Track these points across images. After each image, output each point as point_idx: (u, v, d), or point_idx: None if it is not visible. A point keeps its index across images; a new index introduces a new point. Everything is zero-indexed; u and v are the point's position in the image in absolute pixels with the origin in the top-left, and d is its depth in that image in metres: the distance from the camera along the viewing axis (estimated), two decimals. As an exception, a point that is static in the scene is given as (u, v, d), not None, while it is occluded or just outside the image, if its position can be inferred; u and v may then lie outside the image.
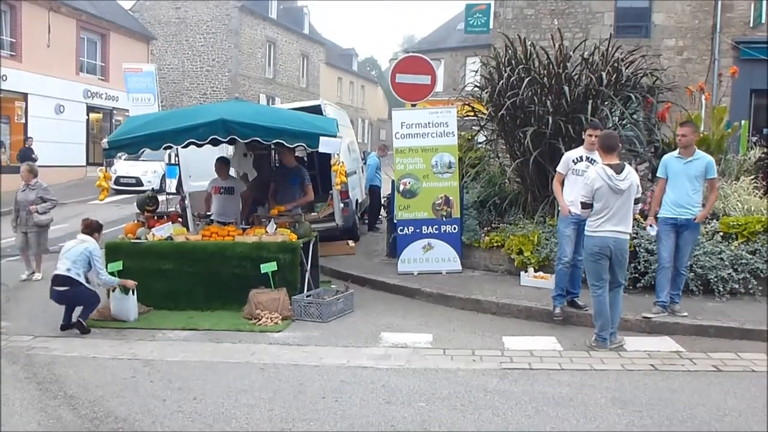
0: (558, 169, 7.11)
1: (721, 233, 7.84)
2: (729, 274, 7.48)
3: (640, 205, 6.46)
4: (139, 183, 21.59)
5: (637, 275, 7.77)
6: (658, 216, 6.92)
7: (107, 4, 29.91)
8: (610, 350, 6.01)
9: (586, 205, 6.11)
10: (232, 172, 9.86)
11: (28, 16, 23.11)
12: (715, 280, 7.49)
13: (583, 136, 7.09)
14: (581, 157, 6.88)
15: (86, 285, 6.85)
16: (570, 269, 6.95)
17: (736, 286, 7.52)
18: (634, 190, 6.06)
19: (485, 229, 9.46)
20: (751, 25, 15.15)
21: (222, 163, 8.95)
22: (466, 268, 9.26)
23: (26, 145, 19.45)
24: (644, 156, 9.91)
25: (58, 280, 6.75)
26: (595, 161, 6.60)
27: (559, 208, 7.05)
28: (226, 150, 10.20)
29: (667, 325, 6.65)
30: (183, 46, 37.50)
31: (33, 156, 19.28)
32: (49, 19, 23.98)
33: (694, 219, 6.76)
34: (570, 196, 6.82)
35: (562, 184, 7.00)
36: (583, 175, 6.59)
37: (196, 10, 37.25)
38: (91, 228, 7.18)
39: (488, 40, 18.68)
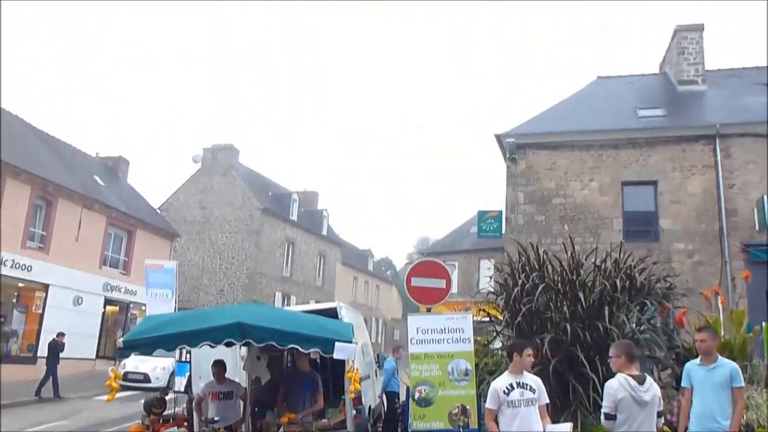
0: (487, 405, 6.13)
1: (757, 449, 7.33)
2: (770, 495, 6.88)
3: (662, 419, 6.10)
4: (147, 379, 21.16)
5: (667, 495, 7.17)
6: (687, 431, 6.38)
7: (137, 202, 31.62)
8: None
9: (609, 416, 5.82)
10: (243, 375, 9.66)
11: (62, 212, 24.38)
12: (756, 502, 6.88)
13: (522, 356, 6.10)
14: (512, 385, 5.99)
15: None
16: None
17: None
18: (656, 403, 5.79)
19: (504, 439, 8.96)
20: (757, 228, 15.50)
21: (219, 367, 8.80)
22: (485, 483, 8.63)
23: (58, 340, 19.53)
24: (666, 362, 9.66)
25: None
26: (527, 384, 6.00)
27: None
28: (239, 351, 10.08)
29: None
30: (205, 243, 38.83)
31: (61, 349, 19.42)
32: (81, 216, 25.26)
33: None
34: None
35: (497, 420, 6.01)
36: (521, 406, 5.91)
37: (221, 211, 39.14)
38: None
39: (501, 242, 19.17)
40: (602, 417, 5.95)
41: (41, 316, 23.25)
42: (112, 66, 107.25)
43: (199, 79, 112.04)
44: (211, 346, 7.69)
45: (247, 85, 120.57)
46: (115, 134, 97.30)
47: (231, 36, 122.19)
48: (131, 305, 28.57)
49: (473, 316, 10.07)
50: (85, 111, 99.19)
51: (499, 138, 17.63)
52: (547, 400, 6.13)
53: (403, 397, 12.04)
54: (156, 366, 21.60)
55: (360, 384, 8.99)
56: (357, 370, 8.04)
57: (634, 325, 9.59)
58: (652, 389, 5.77)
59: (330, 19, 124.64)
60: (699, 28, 20.27)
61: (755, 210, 15.56)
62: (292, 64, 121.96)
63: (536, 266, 9.77)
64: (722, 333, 10.01)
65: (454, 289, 21.56)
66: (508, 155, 17.29)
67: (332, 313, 10.25)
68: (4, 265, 21.19)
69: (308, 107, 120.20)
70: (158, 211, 35.95)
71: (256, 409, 9.50)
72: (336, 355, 7.28)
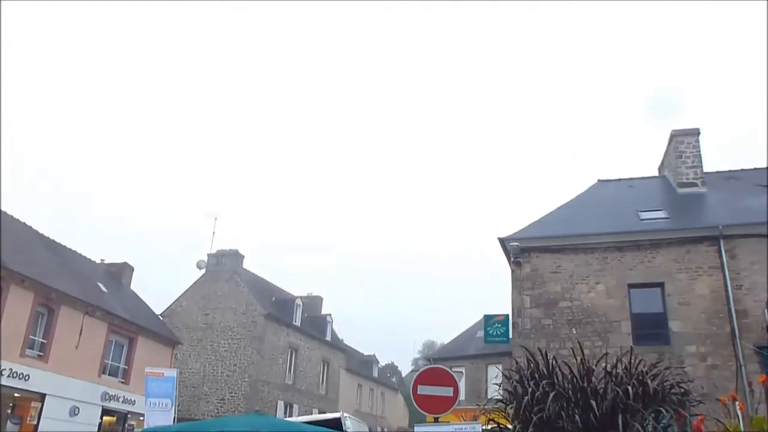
0: None
1: None
2: None
3: None
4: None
5: None
6: None
7: (139, 309, 31.39)
8: None
9: None
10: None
11: (64, 319, 24.14)
12: None
13: None
14: None
15: None
16: None
17: None
18: None
19: None
20: (769, 330, 15.22)
21: None
22: None
23: None
24: (690, 475, 9.19)
25: None
26: None
27: None
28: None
29: None
30: (207, 350, 38.20)
31: None
32: (82, 323, 24.98)
33: None
34: None
35: None
36: None
37: (223, 317, 38.78)
38: None
39: (508, 347, 18.81)
40: None
41: (36, 427, 22.50)
42: (120, 168, 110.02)
43: (203, 184, 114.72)
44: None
45: (250, 189, 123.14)
46: (121, 240, 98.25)
47: (228, 137, 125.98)
48: (129, 415, 27.72)
49: (482, 425, 9.71)
50: (91, 217, 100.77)
51: (503, 242, 17.69)
52: None
53: None
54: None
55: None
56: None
57: (651, 434, 9.22)
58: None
59: (324, 124, 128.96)
60: (695, 133, 20.79)
61: (765, 311, 15.35)
62: (295, 170, 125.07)
63: (546, 373, 9.50)
64: (745, 441, 9.59)
65: (462, 396, 20.98)
66: (512, 259, 17.29)
67: (336, 424, 9.96)
68: (2, 374, 20.77)
69: (313, 211, 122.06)
70: (160, 318, 35.62)
71: None
72: (339, 470, 6.98)
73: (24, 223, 26.84)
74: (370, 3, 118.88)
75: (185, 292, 41.01)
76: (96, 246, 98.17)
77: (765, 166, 20.54)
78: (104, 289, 29.11)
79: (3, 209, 25.12)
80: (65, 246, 29.47)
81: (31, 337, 22.77)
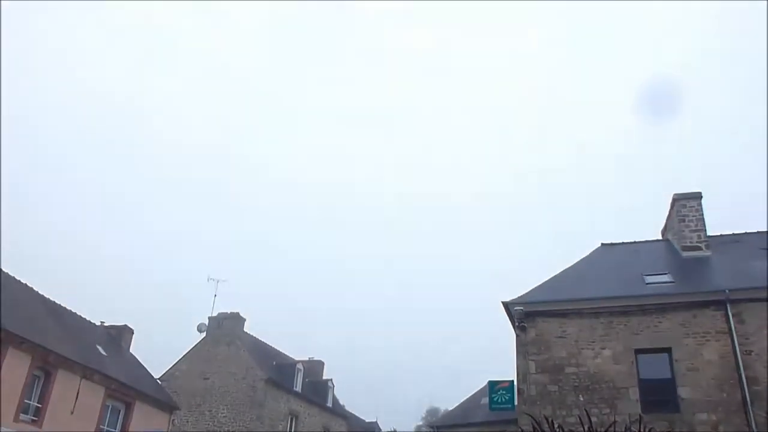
0: None
1: None
2: None
3: None
4: None
5: None
6: None
7: (138, 373, 30.87)
8: None
9: None
10: None
11: (61, 383, 23.71)
12: None
13: None
14: None
15: None
16: None
17: None
18: None
19: None
20: (781, 401, 14.83)
21: None
22: None
23: None
24: None
25: None
26: None
27: None
28: None
29: None
30: (205, 416, 37.33)
31: None
32: (79, 387, 24.50)
33: None
34: None
35: None
36: None
37: (223, 381, 38.07)
38: None
39: (514, 413, 18.34)
40: None
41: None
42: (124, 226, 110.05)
43: (206, 244, 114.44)
44: None
45: (250, 251, 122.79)
46: (122, 301, 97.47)
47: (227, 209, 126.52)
48: (122, 484, 26.90)
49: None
50: (93, 278, 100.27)
51: (507, 306, 17.50)
52: None
53: None
54: None
55: None
56: None
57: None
58: None
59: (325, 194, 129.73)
60: (697, 197, 20.86)
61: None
62: (297, 239, 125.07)
63: (553, 442, 9.26)
64: None
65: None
66: (517, 323, 17.06)
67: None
68: (-6, 440, 20.28)
69: (317, 275, 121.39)
70: (159, 382, 34.95)
71: None
72: None
73: (25, 284, 26.72)
74: (371, 2, 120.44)
75: (185, 355, 40.39)
76: (97, 307, 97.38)
77: (767, 229, 20.53)
78: (103, 352, 28.71)
79: (3, 269, 25.13)
80: (65, 308, 29.24)
81: (25, 401, 22.30)
